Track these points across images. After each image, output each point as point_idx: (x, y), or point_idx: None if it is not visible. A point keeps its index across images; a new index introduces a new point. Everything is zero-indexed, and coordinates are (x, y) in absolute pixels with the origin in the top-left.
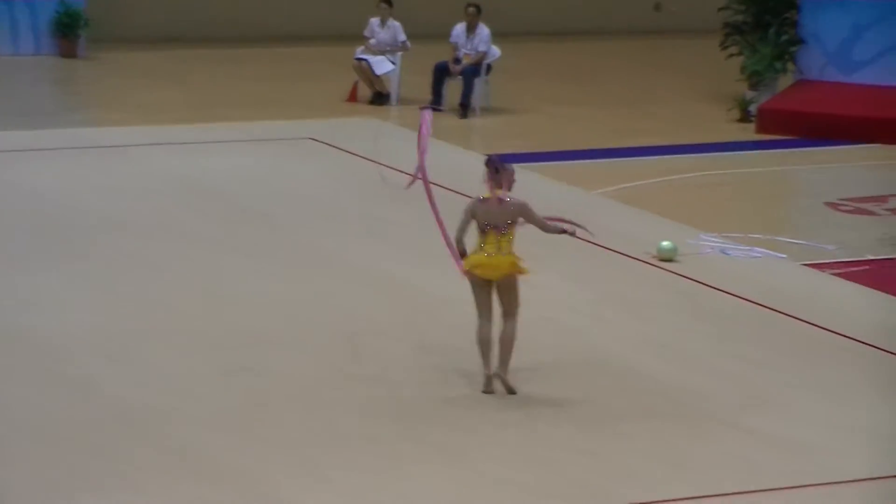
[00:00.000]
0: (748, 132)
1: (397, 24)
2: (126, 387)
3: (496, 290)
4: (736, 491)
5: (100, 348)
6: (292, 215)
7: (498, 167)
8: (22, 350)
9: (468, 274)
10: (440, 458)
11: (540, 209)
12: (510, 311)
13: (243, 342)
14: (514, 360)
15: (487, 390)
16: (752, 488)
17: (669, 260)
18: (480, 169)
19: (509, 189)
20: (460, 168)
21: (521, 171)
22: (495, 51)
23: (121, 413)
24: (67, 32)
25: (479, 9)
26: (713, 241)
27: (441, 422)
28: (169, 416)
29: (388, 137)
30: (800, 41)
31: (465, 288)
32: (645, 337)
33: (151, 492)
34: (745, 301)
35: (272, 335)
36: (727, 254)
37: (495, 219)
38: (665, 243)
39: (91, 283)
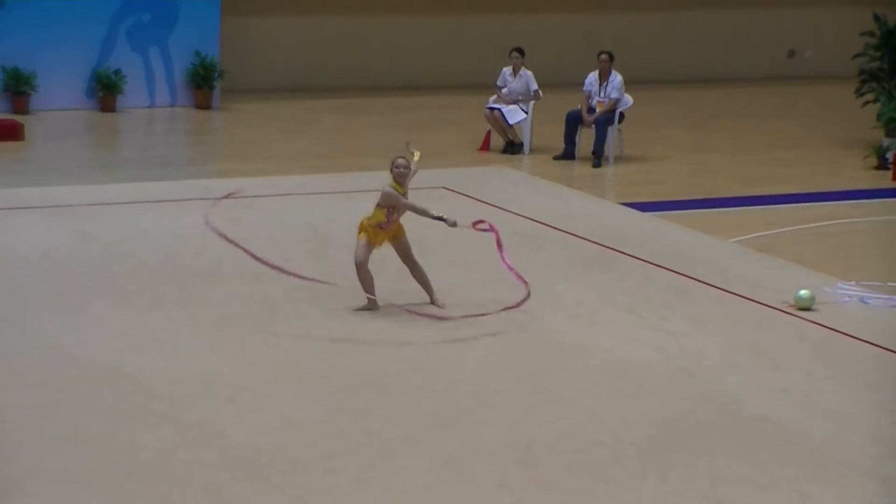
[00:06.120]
0: (885, 179)
1: (529, 73)
2: (242, 431)
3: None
4: None
5: (216, 392)
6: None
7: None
8: (136, 392)
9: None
10: None
11: (673, 257)
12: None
13: (364, 386)
14: (651, 413)
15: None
16: None
17: (807, 309)
18: (614, 217)
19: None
20: (595, 217)
21: (654, 219)
22: (628, 99)
23: (238, 457)
24: (202, 84)
25: (611, 56)
26: (851, 290)
27: (584, 477)
28: (288, 461)
29: (521, 186)
30: None
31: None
32: (780, 385)
33: None
34: (884, 350)
35: (392, 379)
36: (866, 302)
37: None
38: (803, 292)
39: (209, 327)
